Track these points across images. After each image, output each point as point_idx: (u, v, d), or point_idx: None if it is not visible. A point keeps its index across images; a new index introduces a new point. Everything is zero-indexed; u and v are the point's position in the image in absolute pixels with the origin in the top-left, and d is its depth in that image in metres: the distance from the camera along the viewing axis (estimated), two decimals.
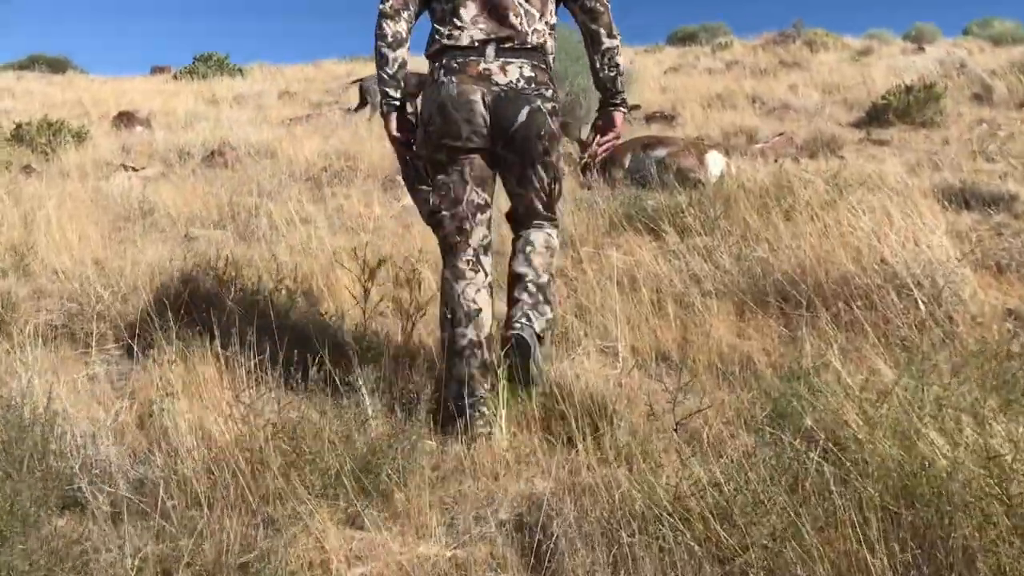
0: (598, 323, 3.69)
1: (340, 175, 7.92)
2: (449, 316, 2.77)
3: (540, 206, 2.92)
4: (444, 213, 2.83)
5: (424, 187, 2.91)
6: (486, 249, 2.88)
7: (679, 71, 16.19)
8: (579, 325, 3.69)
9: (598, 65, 3.01)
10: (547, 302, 2.83)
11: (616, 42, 2.99)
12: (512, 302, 2.82)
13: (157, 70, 22.60)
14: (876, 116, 9.82)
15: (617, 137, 3.16)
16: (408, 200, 4.59)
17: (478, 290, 2.79)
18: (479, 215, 2.85)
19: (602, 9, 2.93)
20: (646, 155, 7.17)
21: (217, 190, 7.07)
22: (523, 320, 2.73)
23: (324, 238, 5.22)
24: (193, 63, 20.31)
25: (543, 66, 2.84)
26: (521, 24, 2.80)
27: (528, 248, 2.88)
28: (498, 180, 2.96)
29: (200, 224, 6.21)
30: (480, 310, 2.77)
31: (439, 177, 2.84)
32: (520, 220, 2.98)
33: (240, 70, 20.22)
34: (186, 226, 6.12)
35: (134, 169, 8.52)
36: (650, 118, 10.72)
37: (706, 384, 3.02)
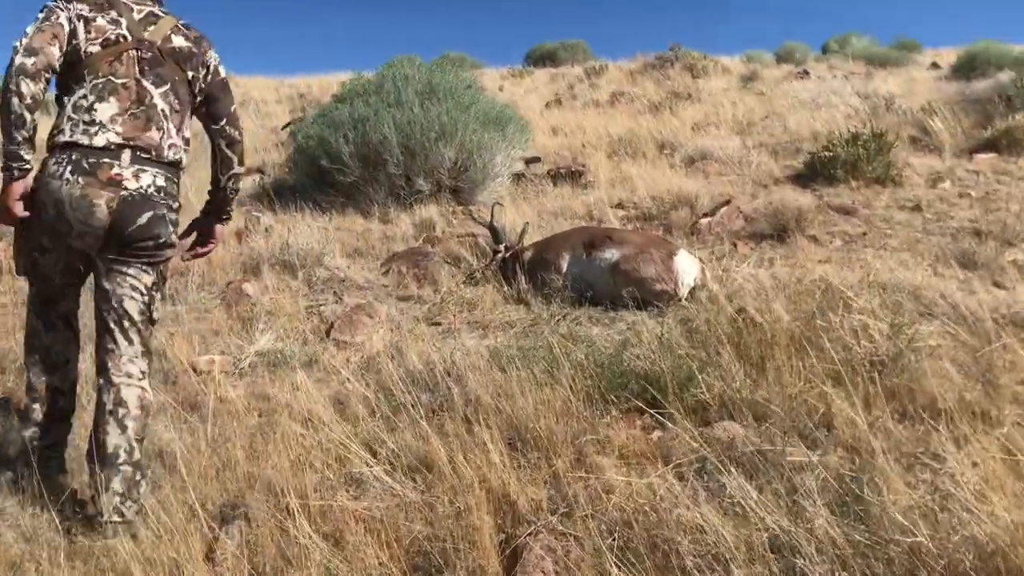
0: None
1: None
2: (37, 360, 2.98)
3: (135, 317, 2.90)
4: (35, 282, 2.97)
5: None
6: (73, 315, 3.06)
7: (562, 105, 14.52)
8: None
9: (222, 184, 3.14)
10: (142, 479, 2.88)
11: (243, 169, 3.18)
12: (104, 482, 2.77)
13: None
14: (819, 170, 8.36)
15: (215, 246, 3.34)
16: None
17: (67, 344, 3.03)
18: (70, 293, 3.03)
19: (239, 138, 3.11)
20: (592, 258, 5.27)
21: None
22: (114, 517, 2.76)
23: None
24: None
25: (175, 180, 2.91)
26: (162, 137, 2.84)
27: (121, 411, 2.83)
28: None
29: None
30: (68, 361, 3.04)
31: (37, 255, 2.90)
32: (107, 349, 2.88)
33: None
34: None
35: None
36: (555, 176, 8.87)
37: None
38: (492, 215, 6.01)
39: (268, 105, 16.70)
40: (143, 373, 2.92)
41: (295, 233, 6.83)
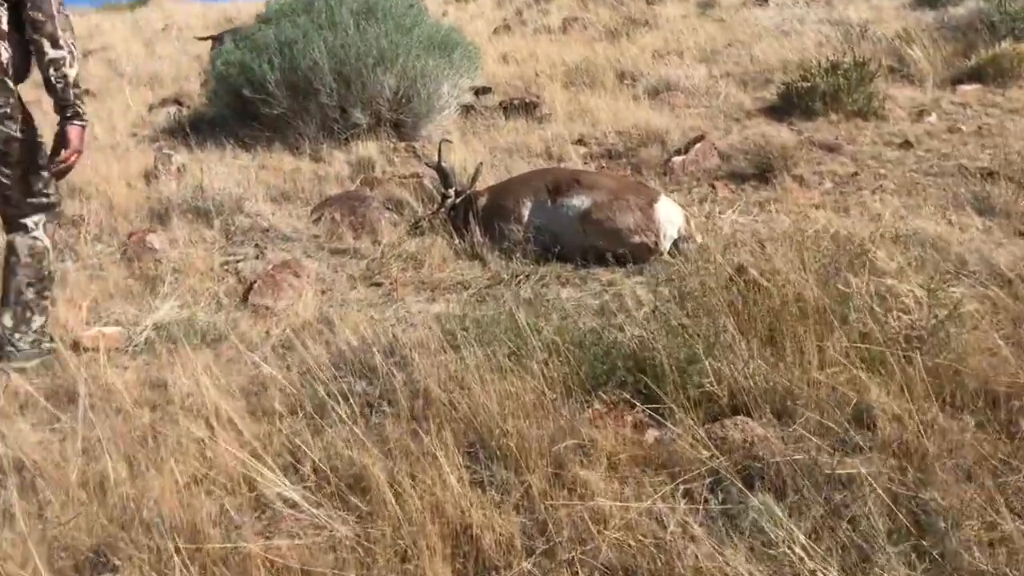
0: None
1: None
2: None
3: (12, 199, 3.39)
4: None
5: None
6: None
7: (511, 31, 13.52)
8: None
9: (47, 76, 3.19)
10: (31, 313, 3.51)
11: (62, 52, 3.16)
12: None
13: None
14: (795, 102, 7.66)
15: (77, 154, 3.36)
16: None
17: None
18: None
19: (43, 19, 3.10)
20: (558, 205, 4.53)
21: None
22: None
23: None
24: None
25: None
26: None
27: (12, 258, 3.45)
28: None
29: None
30: None
31: None
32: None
33: None
34: None
35: None
36: (507, 108, 8.02)
37: None
38: (440, 154, 5.20)
39: (193, 31, 15.33)
40: (35, 224, 3.46)
41: (212, 174, 5.94)
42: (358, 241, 5.07)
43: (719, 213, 5.03)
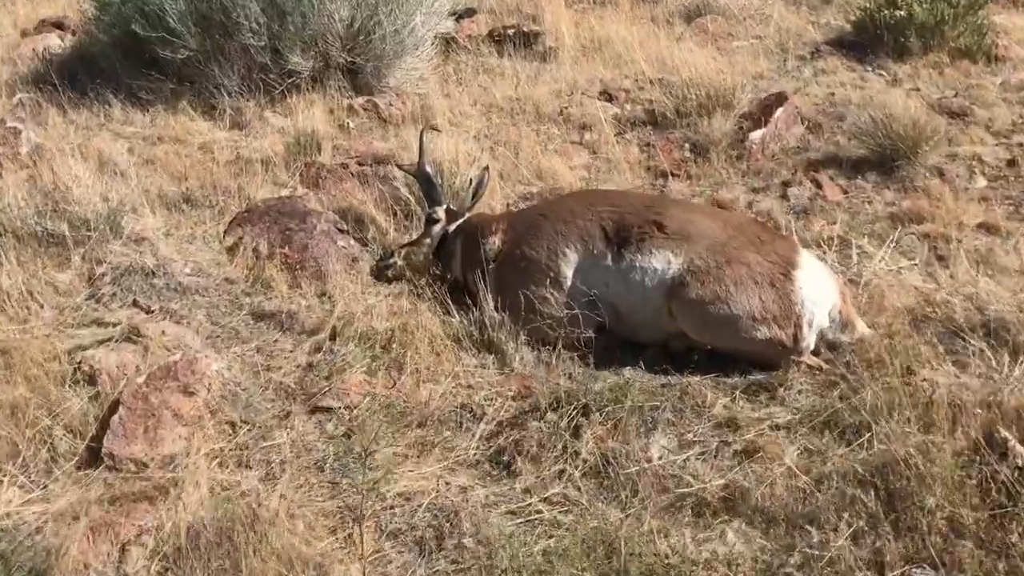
0: None
1: None
2: None
3: None
4: None
5: None
6: None
7: None
8: None
9: None
10: None
11: None
12: None
13: None
14: (876, 35, 5.80)
15: None
16: None
17: None
18: None
19: None
20: (625, 264, 2.75)
21: None
22: None
23: None
24: None
25: None
26: None
27: None
28: None
29: None
30: None
31: None
32: None
33: None
34: None
35: None
36: (499, 39, 6.03)
37: None
38: (421, 149, 3.33)
39: None
40: None
41: (77, 163, 3.99)
42: (295, 293, 3.25)
43: (858, 253, 3.26)
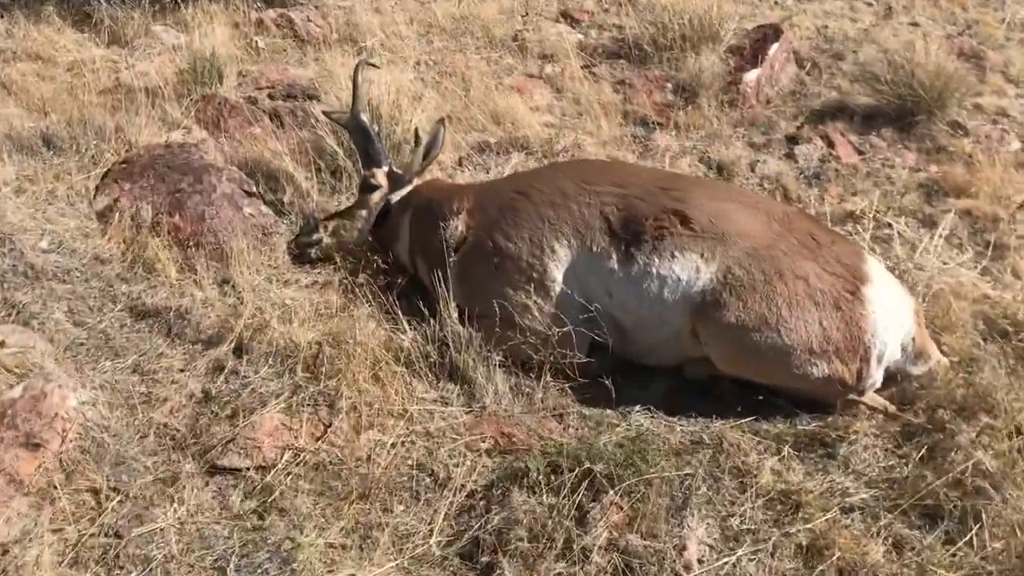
0: None
1: None
2: None
3: None
4: None
5: None
6: None
7: None
8: None
9: None
10: None
11: None
12: None
13: None
14: None
15: None
16: None
17: None
18: None
19: None
20: (636, 268, 2.05)
21: None
22: None
23: None
24: None
25: None
26: None
27: None
28: None
29: None
30: None
31: None
32: None
33: None
34: None
35: None
36: None
37: None
38: (356, 91, 2.54)
39: None
40: None
41: None
42: (187, 279, 2.48)
43: (900, 245, 2.64)
